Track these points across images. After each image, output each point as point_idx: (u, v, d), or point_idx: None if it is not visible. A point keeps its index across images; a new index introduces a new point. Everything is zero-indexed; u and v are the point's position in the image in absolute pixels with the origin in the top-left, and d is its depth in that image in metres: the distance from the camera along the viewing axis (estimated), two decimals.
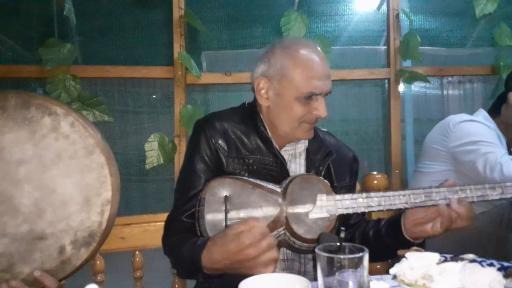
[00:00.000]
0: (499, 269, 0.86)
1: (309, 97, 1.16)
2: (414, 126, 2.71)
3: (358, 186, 1.89)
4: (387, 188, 1.65)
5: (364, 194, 1.10)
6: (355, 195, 1.10)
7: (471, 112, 1.93)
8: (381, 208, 1.10)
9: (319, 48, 1.22)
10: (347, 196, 1.10)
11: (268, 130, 1.25)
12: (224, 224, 1.08)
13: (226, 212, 1.09)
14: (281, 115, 1.21)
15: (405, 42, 2.37)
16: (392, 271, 0.83)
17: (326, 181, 1.14)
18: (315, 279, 0.79)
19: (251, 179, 1.13)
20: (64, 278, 0.96)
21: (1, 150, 0.90)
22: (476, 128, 1.74)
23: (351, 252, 0.77)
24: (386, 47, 2.54)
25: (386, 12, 2.49)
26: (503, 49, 2.49)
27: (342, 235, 0.82)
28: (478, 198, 1.11)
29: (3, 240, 0.89)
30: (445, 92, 2.81)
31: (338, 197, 1.10)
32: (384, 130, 2.61)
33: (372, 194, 1.11)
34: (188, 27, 2.33)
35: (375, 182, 1.89)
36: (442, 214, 1.08)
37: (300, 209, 1.08)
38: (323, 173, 1.26)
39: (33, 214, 0.90)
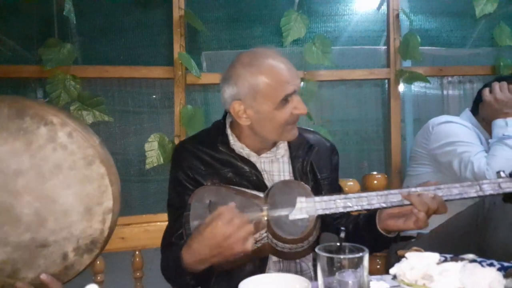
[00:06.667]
0: (499, 269, 0.87)
1: (285, 100, 1.19)
2: (414, 126, 2.70)
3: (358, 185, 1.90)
4: (387, 188, 1.66)
5: (342, 195, 1.14)
6: (333, 197, 1.13)
7: None
8: (359, 208, 1.13)
9: (277, 52, 1.24)
10: (325, 198, 1.13)
11: (234, 146, 1.28)
12: None
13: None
14: (265, 127, 1.23)
15: (405, 42, 2.37)
16: (392, 271, 0.83)
17: (306, 185, 1.17)
18: (314, 279, 0.79)
19: (235, 187, 1.19)
20: (68, 281, 0.97)
21: None
22: (454, 129, 1.78)
23: (351, 252, 0.78)
24: (386, 47, 2.53)
25: (386, 12, 2.49)
26: (503, 49, 2.49)
27: (342, 235, 0.82)
28: (455, 196, 1.13)
29: (6, 248, 0.89)
30: (445, 92, 2.80)
31: (317, 199, 1.13)
32: (384, 130, 2.61)
33: (350, 195, 1.14)
34: (188, 27, 2.33)
35: (375, 182, 1.90)
36: (415, 213, 1.10)
37: (280, 211, 1.11)
38: (308, 168, 1.30)
39: (35, 223, 0.90)
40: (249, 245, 1.01)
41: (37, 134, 0.89)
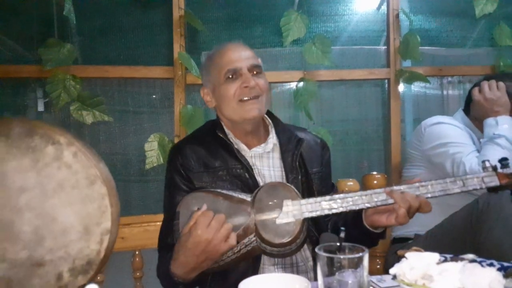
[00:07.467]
0: (499, 269, 0.87)
1: (234, 76, 1.30)
2: (414, 126, 2.70)
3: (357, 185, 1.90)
4: None
5: (327, 197, 1.15)
6: (319, 199, 1.15)
7: None
8: (343, 209, 1.14)
9: (236, 42, 1.38)
10: (311, 200, 1.14)
11: (229, 136, 1.33)
12: None
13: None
14: (223, 103, 1.33)
15: (405, 42, 2.37)
16: (392, 271, 0.83)
17: (292, 187, 1.18)
18: (314, 279, 0.79)
19: (223, 191, 1.20)
20: None
21: (3, 177, 0.90)
22: (445, 130, 1.79)
23: (351, 252, 0.78)
24: (386, 47, 2.53)
25: (386, 12, 2.49)
26: (503, 49, 2.48)
27: (342, 235, 0.82)
28: (439, 193, 1.13)
29: (2, 265, 0.90)
30: (445, 92, 2.80)
31: (303, 201, 1.14)
32: (384, 130, 2.61)
33: (335, 196, 1.15)
34: (188, 27, 2.33)
35: (375, 182, 1.90)
36: (396, 208, 1.13)
37: (268, 215, 1.13)
38: (297, 162, 1.32)
39: (33, 241, 0.90)
40: (233, 241, 1.05)
41: (44, 152, 0.91)
